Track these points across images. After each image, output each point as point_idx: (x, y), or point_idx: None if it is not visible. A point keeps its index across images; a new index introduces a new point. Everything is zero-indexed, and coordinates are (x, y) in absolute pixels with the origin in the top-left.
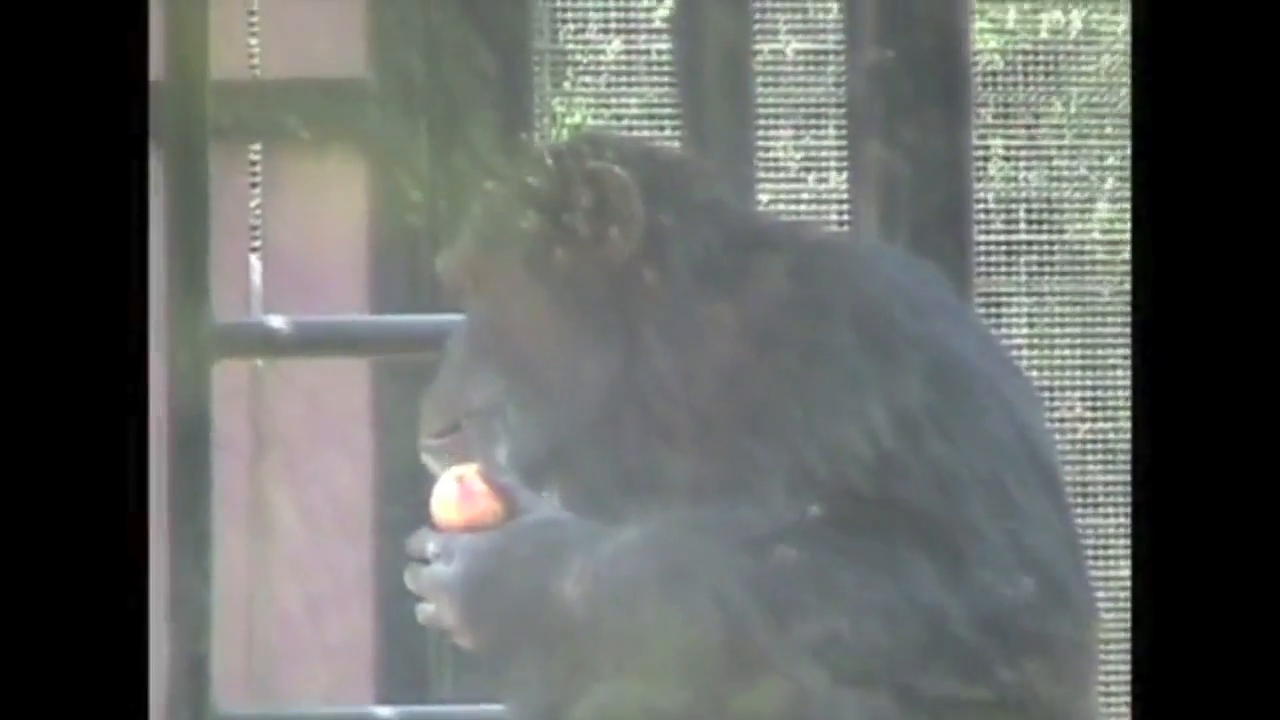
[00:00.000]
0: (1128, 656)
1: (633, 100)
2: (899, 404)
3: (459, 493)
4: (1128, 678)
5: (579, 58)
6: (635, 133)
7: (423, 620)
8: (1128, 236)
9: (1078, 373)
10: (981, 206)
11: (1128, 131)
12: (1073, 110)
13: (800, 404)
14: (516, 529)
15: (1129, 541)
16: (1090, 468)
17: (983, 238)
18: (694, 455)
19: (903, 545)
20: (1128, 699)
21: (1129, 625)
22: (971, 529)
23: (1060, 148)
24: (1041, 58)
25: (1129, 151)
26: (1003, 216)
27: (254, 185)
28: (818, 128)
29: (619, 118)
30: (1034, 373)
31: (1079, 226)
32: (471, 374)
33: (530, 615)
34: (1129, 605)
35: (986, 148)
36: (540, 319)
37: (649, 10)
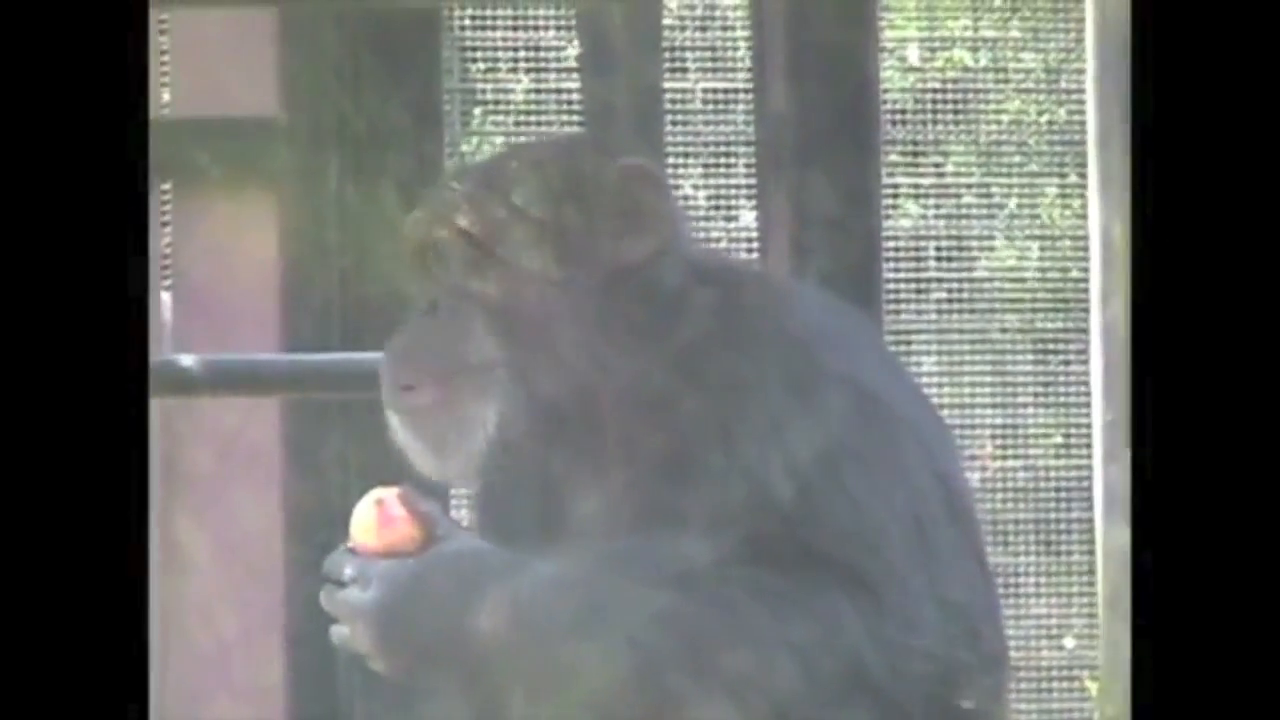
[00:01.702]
0: (1036, 691)
1: None
2: (819, 443)
3: (378, 517)
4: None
5: (489, 96)
6: None
7: (336, 641)
8: (1034, 274)
9: (986, 410)
10: (891, 243)
11: (1035, 169)
12: (980, 148)
13: (721, 440)
14: (434, 558)
15: (1040, 578)
16: (999, 505)
17: (892, 274)
18: (614, 489)
19: (820, 586)
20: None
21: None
22: (889, 571)
23: (969, 185)
24: (950, 96)
25: (1039, 189)
26: (912, 253)
27: (165, 224)
28: (727, 166)
29: None
30: (943, 409)
31: (987, 263)
32: (467, 330)
33: (445, 647)
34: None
35: (895, 185)
36: (549, 301)
37: (558, 49)
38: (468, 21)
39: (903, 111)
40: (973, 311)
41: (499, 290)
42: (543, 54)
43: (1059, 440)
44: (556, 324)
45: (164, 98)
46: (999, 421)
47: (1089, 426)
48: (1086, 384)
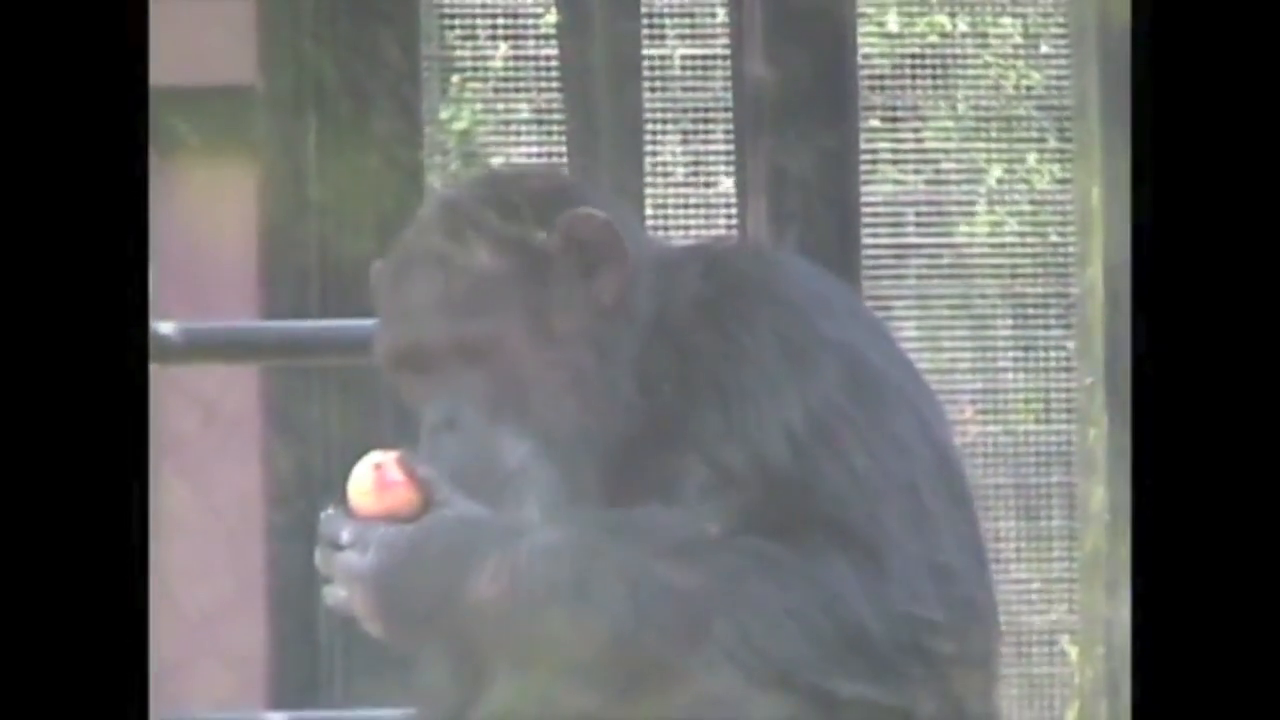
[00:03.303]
0: (1017, 655)
1: (521, 105)
2: (816, 408)
3: (376, 481)
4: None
5: (467, 63)
6: (522, 137)
7: (330, 603)
8: (1013, 239)
9: (966, 375)
10: (869, 210)
11: (1012, 134)
12: (959, 113)
13: (718, 408)
14: (432, 524)
15: (1020, 543)
16: (978, 470)
17: (870, 241)
18: (614, 460)
19: (819, 551)
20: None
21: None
22: (887, 537)
23: (947, 151)
24: (928, 61)
25: (1018, 154)
26: (890, 219)
27: None
28: (705, 132)
29: (507, 123)
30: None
31: (966, 229)
32: (498, 441)
33: (441, 613)
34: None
35: (874, 151)
36: (553, 376)
37: (537, 16)
38: None
39: (881, 77)
40: (952, 277)
41: (504, 387)
42: (521, 20)
43: (1039, 405)
44: (566, 388)
45: None
46: (979, 386)
47: (1069, 391)
48: (1066, 348)
